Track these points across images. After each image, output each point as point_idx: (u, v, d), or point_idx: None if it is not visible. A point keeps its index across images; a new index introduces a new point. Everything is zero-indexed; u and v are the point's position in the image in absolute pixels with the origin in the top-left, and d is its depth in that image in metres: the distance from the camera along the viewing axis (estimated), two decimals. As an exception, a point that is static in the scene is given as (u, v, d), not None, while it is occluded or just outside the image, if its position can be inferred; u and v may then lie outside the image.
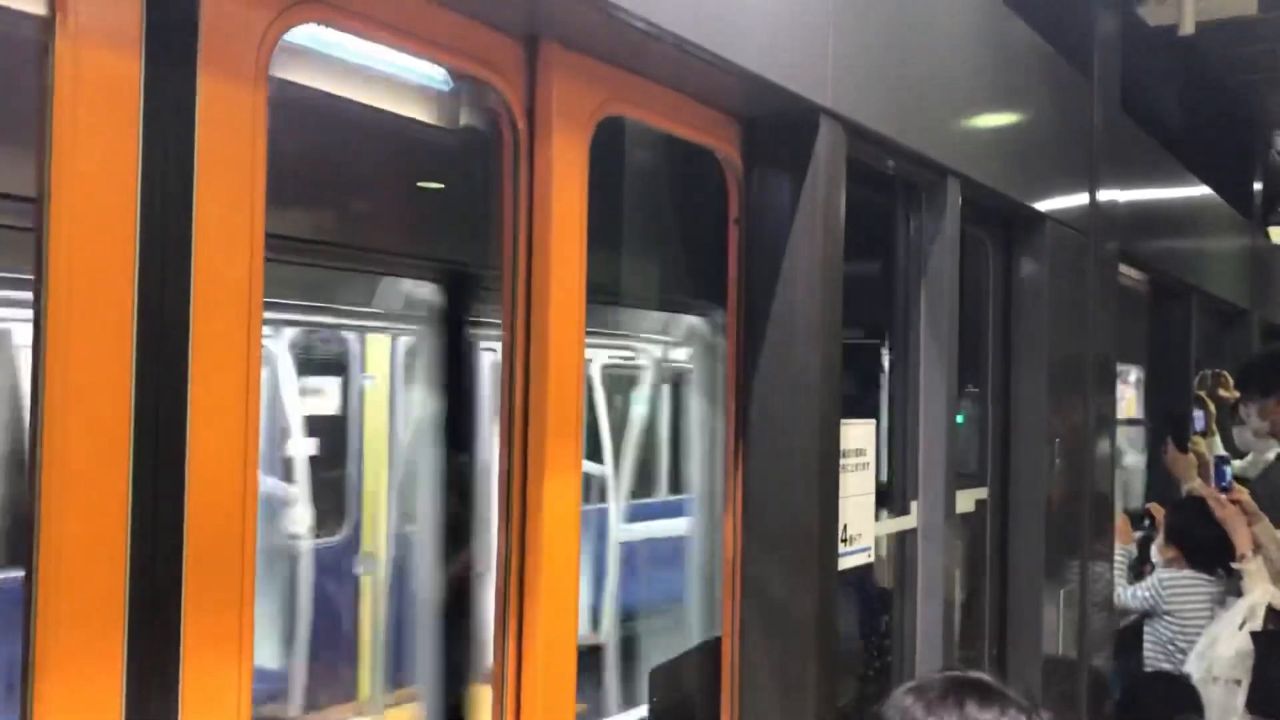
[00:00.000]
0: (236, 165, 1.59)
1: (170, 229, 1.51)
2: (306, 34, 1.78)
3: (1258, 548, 4.33)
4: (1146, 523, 5.29)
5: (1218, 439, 6.26)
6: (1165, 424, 5.61)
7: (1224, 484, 4.95)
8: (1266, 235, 9.36)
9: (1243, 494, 4.59)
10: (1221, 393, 6.39)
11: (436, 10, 1.92)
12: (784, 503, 2.63)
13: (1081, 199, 4.47)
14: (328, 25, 1.76)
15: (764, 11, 2.40)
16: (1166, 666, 4.60)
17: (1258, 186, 8.80)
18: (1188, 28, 4.64)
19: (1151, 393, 6.69)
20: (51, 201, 1.40)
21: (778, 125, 2.64)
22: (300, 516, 5.46)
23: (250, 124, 1.61)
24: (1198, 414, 6.32)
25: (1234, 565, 4.35)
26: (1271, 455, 5.24)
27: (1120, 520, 5.02)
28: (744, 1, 2.33)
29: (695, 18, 2.17)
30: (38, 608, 1.38)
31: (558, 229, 2.13)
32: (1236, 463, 5.85)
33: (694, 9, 2.17)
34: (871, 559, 3.03)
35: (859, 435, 2.94)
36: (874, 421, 3.07)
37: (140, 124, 1.47)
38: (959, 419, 3.60)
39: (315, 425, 5.80)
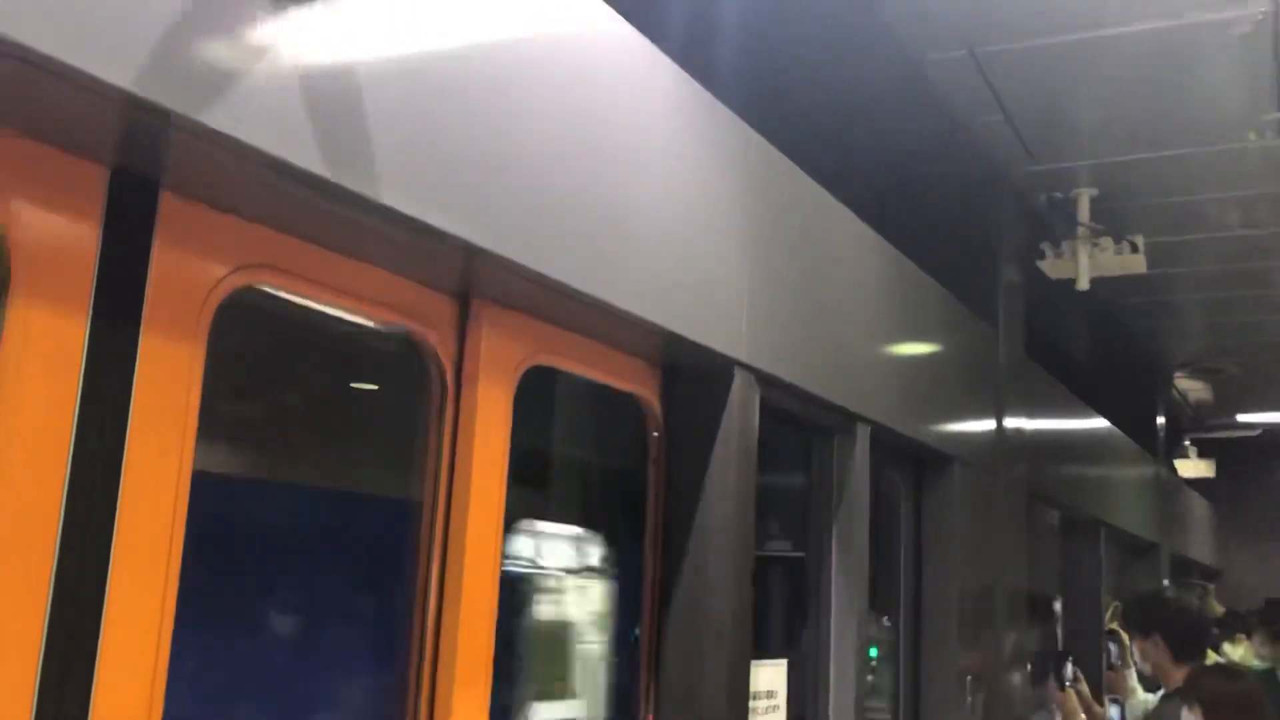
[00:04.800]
0: (170, 416, 1.67)
1: (99, 476, 1.57)
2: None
3: None
4: None
5: (1133, 672, 6.31)
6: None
7: None
8: (1172, 469, 9.72)
9: None
10: None
11: (374, 271, 2.06)
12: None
13: (988, 440, 4.68)
14: (271, 287, 1.88)
15: (683, 276, 2.58)
16: None
17: (1160, 421, 9.22)
18: (1083, 284, 4.98)
19: (1066, 624, 6.78)
20: None
21: (695, 375, 2.80)
22: None
23: (187, 378, 1.70)
24: (1112, 647, 6.40)
25: None
26: (1155, 698, 5.27)
27: None
28: (664, 266, 2.50)
29: (619, 283, 2.33)
30: None
31: (478, 471, 2.21)
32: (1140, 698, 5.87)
33: (618, 275, 2.33)
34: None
35: (769, 677, 2.98)
36: (785, 661, 3.11)
37: (80, 377, 1.55)
38: (872, 652, 3.65)
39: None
